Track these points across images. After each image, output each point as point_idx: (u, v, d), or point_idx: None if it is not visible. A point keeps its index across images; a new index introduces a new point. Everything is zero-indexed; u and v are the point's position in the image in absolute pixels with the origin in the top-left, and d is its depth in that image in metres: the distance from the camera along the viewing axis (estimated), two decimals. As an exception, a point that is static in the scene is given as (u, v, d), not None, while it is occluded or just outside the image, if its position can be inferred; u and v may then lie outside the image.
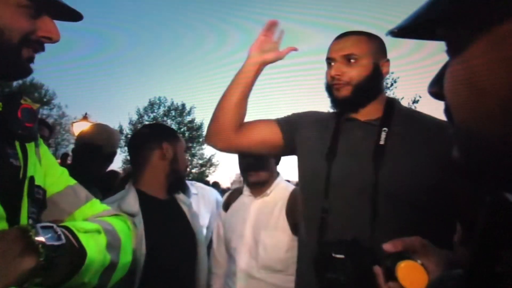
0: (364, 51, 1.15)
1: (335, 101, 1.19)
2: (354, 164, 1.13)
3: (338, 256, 0.95)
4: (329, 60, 1.19)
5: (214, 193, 2.28)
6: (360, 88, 1.14)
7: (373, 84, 1.17)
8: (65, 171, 0.84)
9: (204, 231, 2.14)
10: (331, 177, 1.13)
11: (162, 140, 1.52)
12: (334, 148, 1.17)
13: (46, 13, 0.71)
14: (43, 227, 0.58)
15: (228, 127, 1.26)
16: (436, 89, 0.41)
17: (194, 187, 2.22)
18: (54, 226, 0.60)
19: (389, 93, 23.68)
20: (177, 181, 1.56)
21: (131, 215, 1.33)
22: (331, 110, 1.32)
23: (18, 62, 0.69)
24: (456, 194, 1.04)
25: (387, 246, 0.75)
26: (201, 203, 2.14)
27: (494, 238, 0.36)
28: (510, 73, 0.32)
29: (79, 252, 0.63)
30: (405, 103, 23.58)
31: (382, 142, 1.11)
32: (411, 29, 0.39)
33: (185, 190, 1.75)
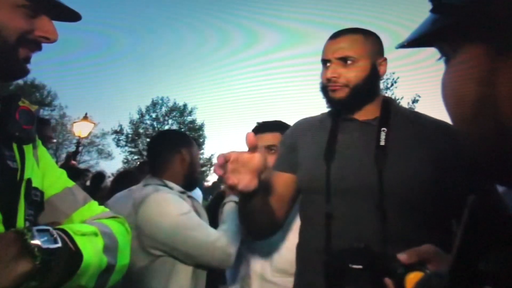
0: (361, 52, 1.12)
1: (331, 101, 1.17)
2: (354, 166, 1.09)
3: (355, 266, 0.89)
4: (325, 62, 1.16)
5: (199, 191, 2.48)
6: (357, 90, 1.12)
7: (370, 85, 1.15)
8: (63, 173, 0.84)
9: None
10: (331, 178, 1.10)
11: (181, 146, 1.73)
12: (332, 148, 1.14)
13: (44, 13, 0.71)
14: (39, 230, 0.58)
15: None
16: None
17: None
18: (50, 229, 0.60)
19: (389, 93, 23.74)
20: (192, 182, 1.80)
21: (182, 192, 1.63)
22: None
23: (15, 62, 0.69)
24: (456, 195, 1.02)
25: (403, 257, 0.74)
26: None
27: (477, 237, 0.39)
28: (478, 84, 0.39)
29: (76, 255, 0.62)
30: (405, 103, 23.60)
31: (382, 143, 1.08)
32: (416, 42, 0.47)
33: (195, 188, 2.03)
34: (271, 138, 1.44)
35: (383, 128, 1.10)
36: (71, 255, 0.61)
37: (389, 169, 1.05)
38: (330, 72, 1.12)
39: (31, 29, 0.68)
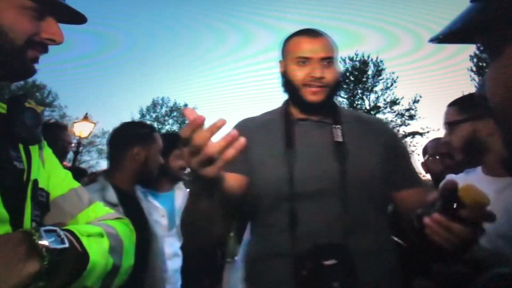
0: (335, 53, 1.18)
1: (306, 104, 1.14)
2: (316, 166, 1.09)
3: (329, 262, 0.90)
4: (304, 60, 1.14)
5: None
6: (333, 91, 1.16)
7: (339, 86, 1.20)
8: (68, 174, 0.84)
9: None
10: (294, 182, 1.07)
11: (134, 144, 1.64)
12: (291, 151, 1.11)
13: (50, 15, 0.71)
14: (47, 231, 0.58)
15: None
16: (483, 91, 0.43)
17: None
18: (58, 229, 0.60)
19: (389, 93, 23.75)
20: (146, 180, 1.72)
21: (113, 205, 1.44)
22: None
23: (23, 63, 0.69)
24: (393, 180, 1.13)
25: (452, 182, 0.80)
26: (185, 197, 2.17)
27: None
28: None
29: (82, 256, 0.62)
30: (405, 103, 23.63)
31: (340, 139, 1.12)
32: (453, 35, 0.42)
33: (151, 185, 1.91)
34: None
35: (337, 126, 1.15)
36: (77, 256, 0.61)
37: (349, 163, 1.09)
38: (320, 71, 1.12)
39: (38, 31, 0.69)
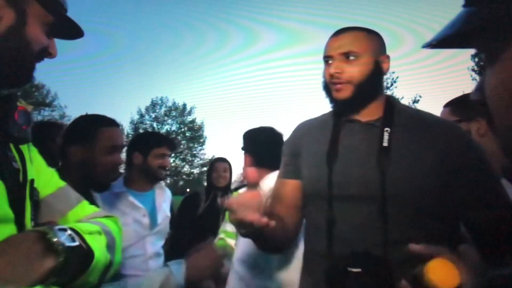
0: (364, 48, 1.10)
1: (335, 102, 1.13)
2: (357, 170, 1.07)
3: (354, 270, 0.90)
4: (327, 59, 1.13)
5: (168, 191, 2.31)
6: (361, 87, 1.09)
7: (374, 83, 1.12)
8: (54, 173, 0.86)
9: (168, 223, 2.16)
10: (333, 183, 1.07)
11: (71, 142, 1.41)
12: (334, 151, 1.11)
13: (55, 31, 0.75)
14: (59, 230, 0.62)
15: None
16: (480, 96, 0.42)
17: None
18: (68, 228, 0.64)
19: (389, 93, 23.80)
20: (95, 185, 1.46)
21: None
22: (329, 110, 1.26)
23: (29, 71, 0.73)
24: (461, 197, 1.02)
25: (417, 248, 0.75)
26: (166, 196, 2.19)
27: None
28: None
29: (87, 253, 0.66)
30: (405, 103, 23.62)
31: (385, 144, 1.06)
32: (447, 40, 0.41)
33: (101, 190, 1.54)
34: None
35: (386, 129, 1.08)
36: (84, 253, 0.65)
37: (392, 171, 1.02)
38: (334, 67, 1.09)
39: (47, 46, 0.74)
